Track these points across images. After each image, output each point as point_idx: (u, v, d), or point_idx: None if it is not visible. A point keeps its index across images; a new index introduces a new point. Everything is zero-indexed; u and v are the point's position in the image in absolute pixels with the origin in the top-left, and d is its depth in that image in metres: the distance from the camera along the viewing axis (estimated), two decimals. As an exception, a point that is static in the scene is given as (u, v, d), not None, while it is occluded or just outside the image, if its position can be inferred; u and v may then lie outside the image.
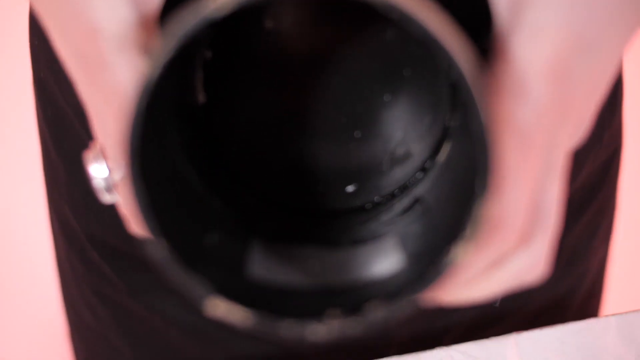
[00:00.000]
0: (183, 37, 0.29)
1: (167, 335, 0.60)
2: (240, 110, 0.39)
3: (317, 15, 0.38)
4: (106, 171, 0.35)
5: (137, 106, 0.29)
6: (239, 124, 0.39)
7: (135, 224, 0.34)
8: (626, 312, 0.56)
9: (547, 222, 0.35)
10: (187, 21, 0.29)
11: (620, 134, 0.62)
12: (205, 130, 0.39)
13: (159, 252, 0.31)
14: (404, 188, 0.40)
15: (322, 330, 0.31)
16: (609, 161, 0.61)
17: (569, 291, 0.63)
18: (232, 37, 0.38)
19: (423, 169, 0.39)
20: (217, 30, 0.37)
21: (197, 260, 0.32)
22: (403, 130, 0.39)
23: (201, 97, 0.38)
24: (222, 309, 0.31)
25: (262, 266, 0.35)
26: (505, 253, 0.35)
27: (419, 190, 0.39)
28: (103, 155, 0.35)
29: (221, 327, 0.58)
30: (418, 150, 0.39)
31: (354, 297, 0.34)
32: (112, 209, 0.53)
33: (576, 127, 0.36)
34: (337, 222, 0.39)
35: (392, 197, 0.40)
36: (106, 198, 0.36)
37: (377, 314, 0.31)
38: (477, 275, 0.35)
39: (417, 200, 0.38)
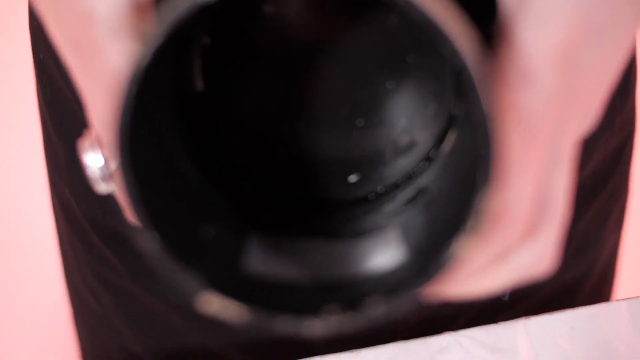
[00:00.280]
0: (175, 22, 0.28)
1: (168, 320, 0.59)
2: (239, 98, 0.38)
3: (318, 0, 0.37)
4: (101, 160, 0.35)
5: (126, 92, 0.29)
6: (238, 112, 0.38)
7: (129, 213, 0.34)
8: (637, 297, 0.55)
9: (554, 214, 0.34)
10: (179, 6, 0.28)
11: (634, 119, 0.61)
12: (203, 119, 0.38)
13: (150, 244, 0.30)
14: (408, 178, 0.39)
15: (320, 326, 0.30)
16: (621, 147, 0.59)
17: (579, 279, 0.62)
18: (231, 23, 0.37)
19: (427, 159, 0.38)
20: (215, 16, 0.36)
21: (191, 253, 0.31)
22: (407, 119, 0.38)
23: (199, 85, 0.37)
24: (216, 304, 0.30)
25: (259, 259, 0.34)
26: (511, 246, 0.34)
27: (423, 180, 0.38)
28: (98, 144, 0.35)
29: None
30: (422, 139, 0.38)
31: (353, 291, 0.33)
32: (111, 194, 0.53)
33: (585, 115, 0.35)
34: (338, 214, 0.38)
35: (396, 187, 0.39)
36: (101, 187, 0.35)
37: (376, 310, 0.30)
38: (482, 269, 0.34)
39: (420, 191, 0.37)
